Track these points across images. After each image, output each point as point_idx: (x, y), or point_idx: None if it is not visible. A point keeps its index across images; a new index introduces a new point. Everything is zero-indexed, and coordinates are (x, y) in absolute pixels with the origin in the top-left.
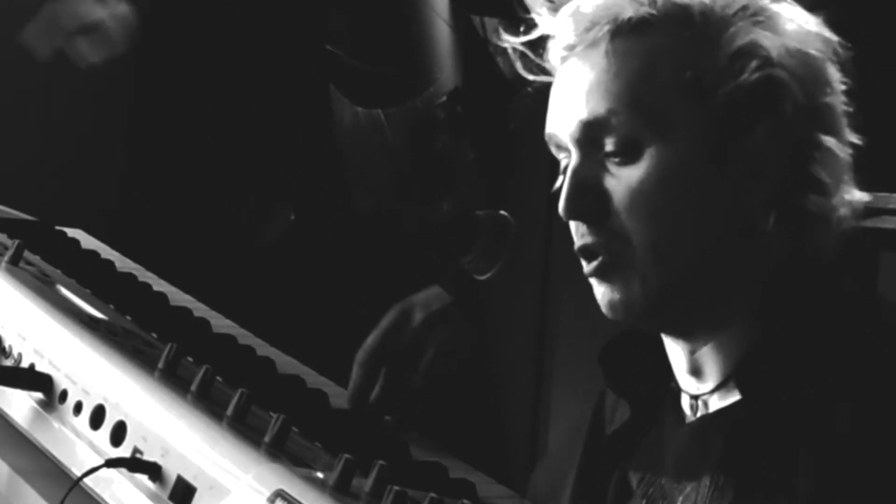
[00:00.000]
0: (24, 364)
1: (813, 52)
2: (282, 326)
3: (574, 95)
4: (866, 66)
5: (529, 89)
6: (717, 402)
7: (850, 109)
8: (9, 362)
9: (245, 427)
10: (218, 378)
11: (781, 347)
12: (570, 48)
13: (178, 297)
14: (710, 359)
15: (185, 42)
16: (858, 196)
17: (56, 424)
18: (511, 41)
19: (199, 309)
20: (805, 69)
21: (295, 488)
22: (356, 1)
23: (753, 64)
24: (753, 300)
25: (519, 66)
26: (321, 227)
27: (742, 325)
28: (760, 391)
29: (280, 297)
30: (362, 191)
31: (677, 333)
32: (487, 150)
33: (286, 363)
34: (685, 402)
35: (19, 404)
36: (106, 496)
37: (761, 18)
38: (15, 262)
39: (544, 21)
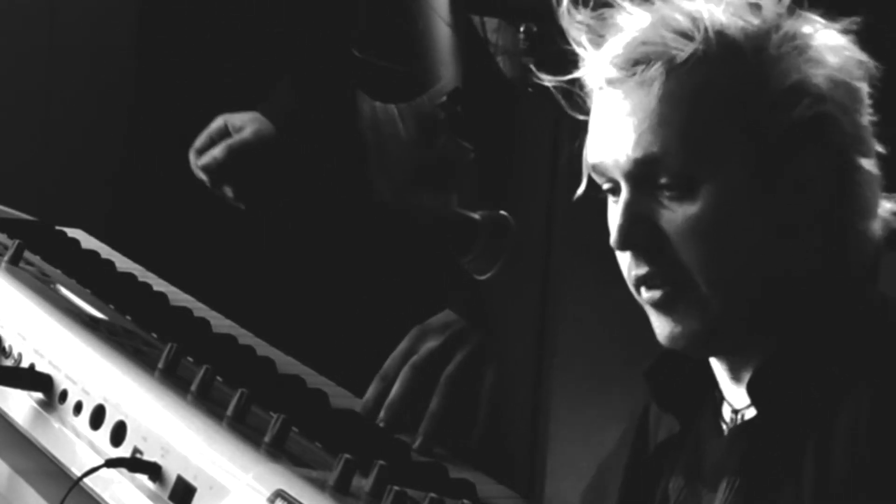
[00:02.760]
0: (24, 364)
1: (856, 83)
2: (282, 326)
3: (623, 130)
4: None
5: (530, 90)
6: (750, 415)
7: (876, 120)
8: (9, 362)
9: (245, 427)
10: (218, 378)
11: (796, 356)
12: (612, 82)
13: (178, 297)
14: (750, 373)
15: (186, 41)
16: (889, 206)
17: (56, 424)
18: (553, 80)
19: (199, 309)
20: (850, 100)
21: (295, 488)
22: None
23: (806, 101)
24: (793, 319)
25: (564, 104)
26: (339, 219)
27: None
28: (768, 398)
29: (280, 296)
30: (384, 183)
31: (728, 355)
32: (487, 150)
33: (286, 363)
34: (726, 413)
35: (19, 404)
36: (106, 496)
37: (808, 52)
38: (15, 262)
39: (589, 55)
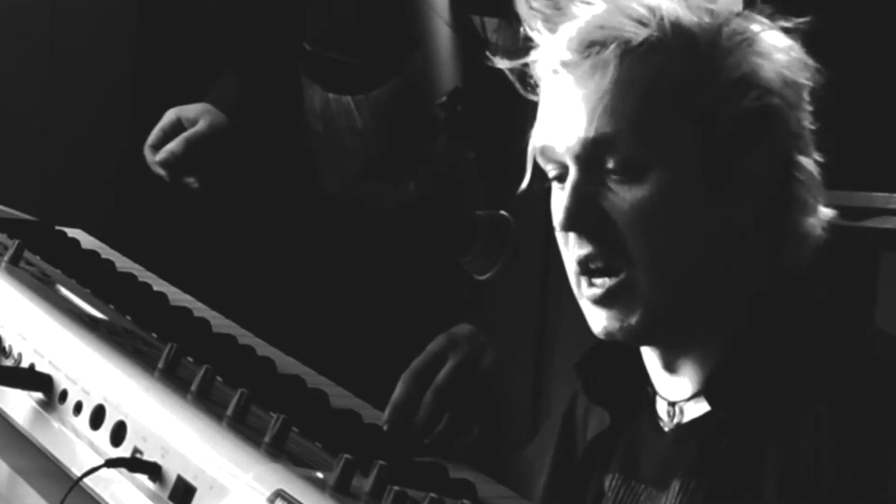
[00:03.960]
0: (24, 364)
1: (802, 80)
2: (282, 326)
3: (575, 112)
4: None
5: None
6: (692, 410)
7: (814, 129)
8: (9, 362)
9: (245, 427)
10: (218, 378)
11: (751, 358)
12: (567, 64)
13: (178, 297)
14: (687, 366)
15: (186, 41)
16: (827, 212)
17: (56, 424)
18: (509, 64)
19: (199, 309)
20: (796, 97)
21: (295, 488)
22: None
23: (754, 93)
24: (735, 315)
25: (518, 87)
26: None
27: (721, 337)
28: (727, 402)
29: (280, 296)
30: (331, 173)
31: (663, 348)
32: (487, 150)
33: (286, 363)
34: (661, 408)
35: (19, 404)
36: (106, 496)
37: (756, 47)
38: (15, 262)
39: (544, 39)
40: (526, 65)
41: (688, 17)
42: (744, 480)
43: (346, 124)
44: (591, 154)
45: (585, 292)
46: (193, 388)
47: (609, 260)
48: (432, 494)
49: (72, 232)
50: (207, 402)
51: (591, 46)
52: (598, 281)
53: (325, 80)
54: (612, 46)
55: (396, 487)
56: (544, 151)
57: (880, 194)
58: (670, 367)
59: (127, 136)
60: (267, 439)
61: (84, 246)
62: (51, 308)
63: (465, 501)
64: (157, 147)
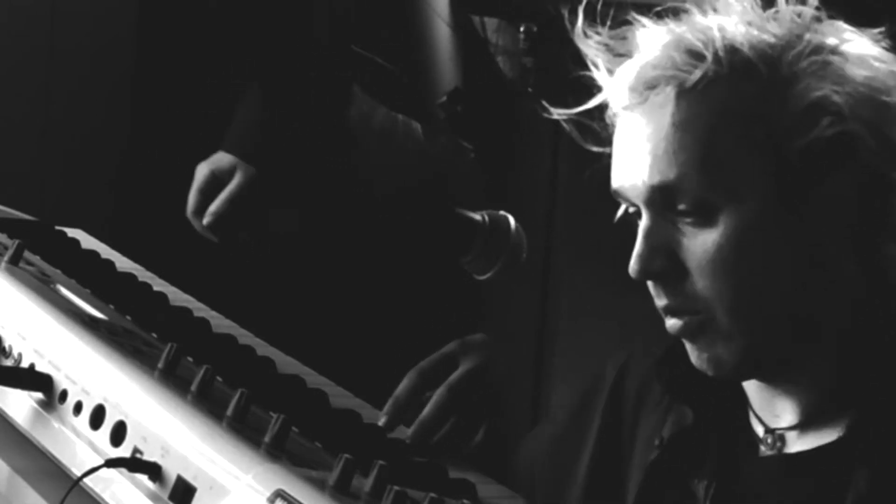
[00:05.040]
0: (24, 364)
1: (885, 98)
2: (282, 326)
3: (639, 156)
4: None
5: (530, 90)
6: (797, 442)
7: None
8: (9, 362)
9: (245, 427)
10: (218, 378)
11: (863, 390)
12: (628, 108)
13: (178, 297)
14: (787, 395)
15: (186, 41)
16: None
17: (56, 424)
18: (567, 113)
19: (199, 309)
20: (878, 116)
21: (295, 488)
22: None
23: (826, 121)
24: (832, 342)
25: (577, 136)
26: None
27: (823, 366)
28: (858, 437)
29: (280, 296)
30: (384, 185)
31: (762, 378)
32: (487, 150)
33: (286, 363)
34: (758, 430)
35: (19, 404)
36: (106, 496)
37: (829, 68)
38: (15, 262)
39: (604, 80)
40: (584, 112)
41: (748, 39)
42: None
43: (402, 141)
44: (658, 199)
45: (668, 325)
46: (193, 388)
47: (687, 306)
48: (432, 494)
49: (72, 232)
50: (207, 402)
51: (648, 89)
52: (677, 321)
53: (387, 96)
54: (668, 89)
55: (396, 487)
56: (618, 193)
57: None
58: (769, 392)
59: (127, 136)
60: (267, 439)
61: (84, 246)
62: (51, 308)
63: (465, 501)
64: (199, 212)
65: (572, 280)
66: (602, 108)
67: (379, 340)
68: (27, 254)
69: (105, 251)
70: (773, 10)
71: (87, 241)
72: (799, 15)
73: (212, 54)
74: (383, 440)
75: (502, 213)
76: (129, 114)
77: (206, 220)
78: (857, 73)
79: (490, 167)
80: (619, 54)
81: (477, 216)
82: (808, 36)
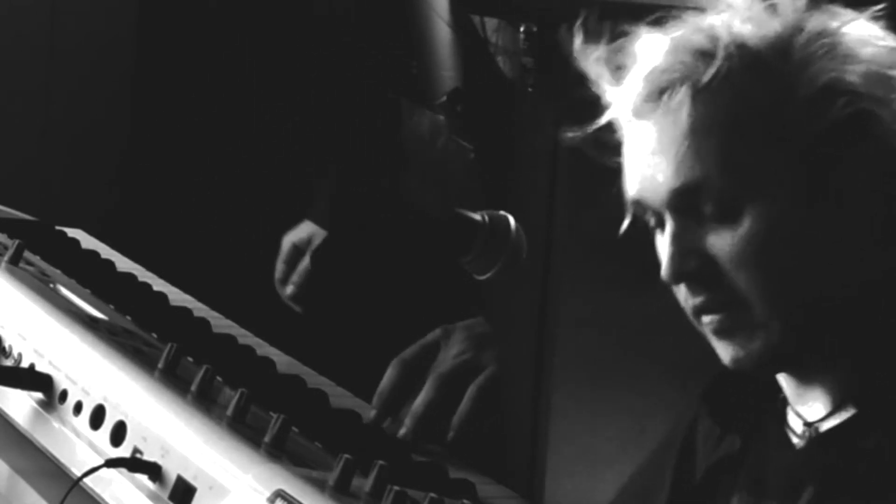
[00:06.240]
0: (24, 364)
1: (891, 71)
2: (282, 326)
3: (658, 162)
4: None
5: (530, 90)
6: (828, 425)
7: None
8: (9, 362)
9: (245, 427)
10: (218, 378)
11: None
12: (640, 115)
13: (178, 297)
14: (824, 385)
15: (187, 39)
16: None
17: (56, 424)
18: (580, 132)
19: (199, 309)
20: (887, 91)
21: (295, 488)
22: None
23: (841, 101)
24: (867, 331)
25: (594, 154)
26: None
27: (856, 353)
28: (879, 404)
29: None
30: (430, 195)
31: (795, 371)
32: (487, 150)
33: (286, 363)
34: (796, 425)
35: (19, 404)
36: (106, 496)
37: (837, 49)
38: (15, 262)
39: (611, 93)
40: (597, 130)
41: (754, 35)
42: (873, 492)
43: (441, 145)
44: (683, 202)
45: (704, 324)
46: (193, 388)
47: (723, 303)
48: (432, 494)
49: (72, 232)
50: (207, 402)
51: (661, 94)
52: (714, 317)
53: (426, 97)
54: (683, 89)
55: (396, 487)
56: (637, 203)
57: None
58: (806, 386)
59: (127, 136)
60: (267, 439)
61: (84, 246)
62: (51, 308)
63: (465, 501)
64: (283, 281)
65: (572, 280)
66: (609, 122)
67: (379, 340)
68: (27, 254)
69: (105, 251)
70: (768, 2)
71: (87, 241)
72: (795, 3)
73: (211, 54)
74: (383, 440)
75: (502, 213)
76: (129, 114)
77: (288, 291)
78: (865, 51)
79: (490, 167)
80: (619, 67)
81: (477, 216)
82: (810, 22)
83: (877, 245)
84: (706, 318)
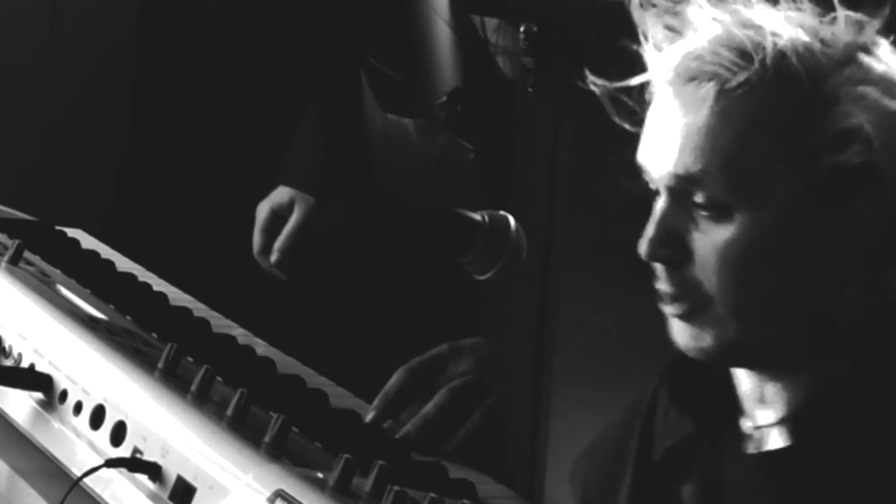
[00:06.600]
0: (24, 364)
1: None
2: (282, 326)
3: (668, 142)
4: None
5: (530, 90)
6: (775, 439)
7: None
8: (9, 362)
9: (245, 427)
10: (218, 378)
11: (844, 396)
12: (670, 86)
13: (178, 297)
14: (776, 391)
15: (187, 39)
16: None
17: (56, 424)
18: (605, 84)
19: (199, 309)
20: None
21: (295, 488)
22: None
23: (856, 148)
24: (828, 347)
25: (610, 109)
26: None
27: (813, 367)
28: (812, 440)
29: (281, 296)
30: (397, 194)
31: (748, 369)
32: (487, 150)
33: (286, 363)
34: (745, 425)
35: (19, 404)
36: (106, 496)
37: (869, 97)
38: (15, 262)
39: (651, 56)
40: (623, 88)
41: (798, 53)
42: None
43: (407, 148)
44: (678, 187)
45: (665, 309)
46: (193, 388)
47: (686, 295)
48: (432, 494)
49: (72, 232)
50: (207, 402)
51: (690, 80)
52: (676, 304)
53: (387, 99)
54: (710, 85)
55: (396, 487)
56: (643, 168)
57: None
58: (759, 388)
59: (127, 136)
60: (267, 439)
61: (84, 246)
62: (51, 308)
63: (465, 501)
64: (264, 251)
65: (572, 280)
66: (641, 85)
67: (379, 340)
68: (27, 254)
69: (105, 251)
70: (831, 15)
71: (87, 241)
72: (857, 25)
73: (211, 54)
74: (383, 440)
75: (502, 213)
76: (129, 114)
77: (273, 259)
78: (893, 104)
79: (490, 167)
80: (671, 29)
81: (477, 216)
82: (860, 58)
83: (852, 276)
84: (670, 306)
